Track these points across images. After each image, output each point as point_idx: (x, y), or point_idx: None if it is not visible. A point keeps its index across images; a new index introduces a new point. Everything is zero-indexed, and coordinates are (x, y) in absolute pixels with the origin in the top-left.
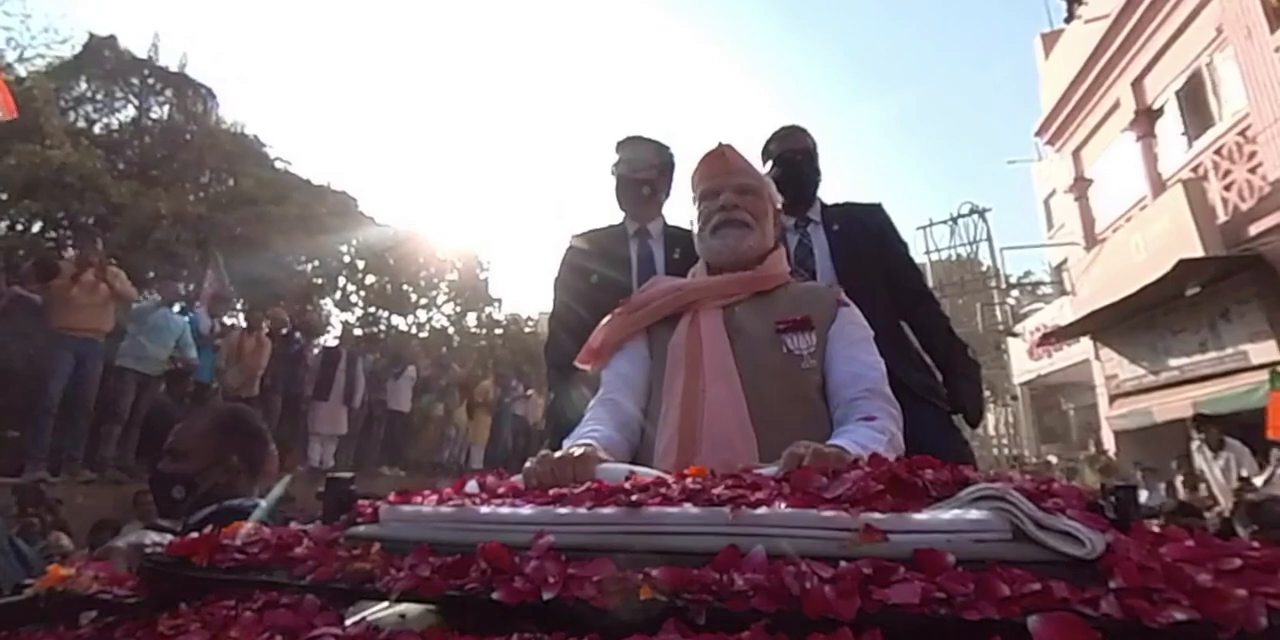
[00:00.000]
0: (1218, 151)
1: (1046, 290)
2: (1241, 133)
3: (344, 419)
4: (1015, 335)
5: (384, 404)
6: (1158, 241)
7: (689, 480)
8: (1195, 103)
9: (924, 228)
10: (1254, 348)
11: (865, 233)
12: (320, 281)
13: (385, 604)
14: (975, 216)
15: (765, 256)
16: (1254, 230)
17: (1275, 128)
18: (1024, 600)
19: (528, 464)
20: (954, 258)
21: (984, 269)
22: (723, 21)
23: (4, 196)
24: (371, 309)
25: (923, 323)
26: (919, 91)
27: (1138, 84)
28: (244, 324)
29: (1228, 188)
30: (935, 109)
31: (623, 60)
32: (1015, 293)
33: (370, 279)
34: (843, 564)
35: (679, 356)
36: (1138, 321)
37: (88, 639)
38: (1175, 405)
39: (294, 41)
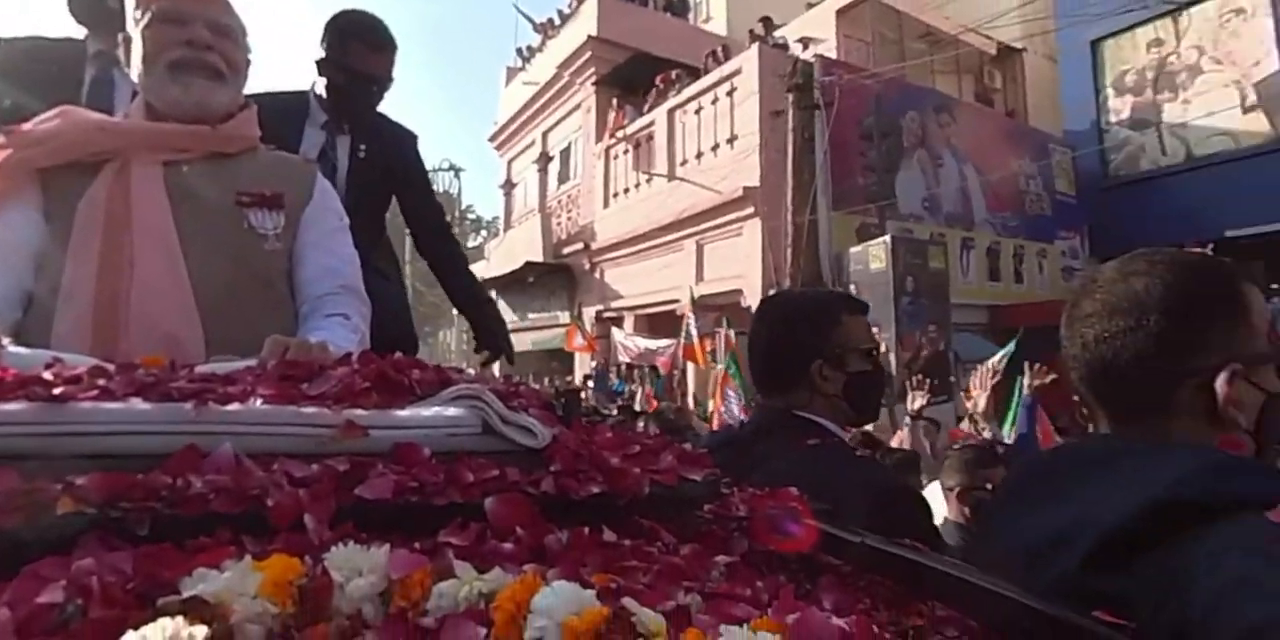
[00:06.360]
0: (569, 196)
1: None
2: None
3: None
4: None
5: None
6: (525, 241)
7: (140, 371)
8: (564, 163)
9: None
10: (561, 314)
11: (397, 158)
12: None
13: None
14: (450, 172)
15: (233, 115)
16: (567, 250)
17: (585, 195)
18: (484, 485)
19: None
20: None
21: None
22: None
23: None
24: None
25: (443, 260)
26: None
27: (546, 135)
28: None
29: (570, 219)
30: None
31: None
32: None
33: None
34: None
35: (94, 217)
36: (520, 287)
37: None
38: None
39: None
